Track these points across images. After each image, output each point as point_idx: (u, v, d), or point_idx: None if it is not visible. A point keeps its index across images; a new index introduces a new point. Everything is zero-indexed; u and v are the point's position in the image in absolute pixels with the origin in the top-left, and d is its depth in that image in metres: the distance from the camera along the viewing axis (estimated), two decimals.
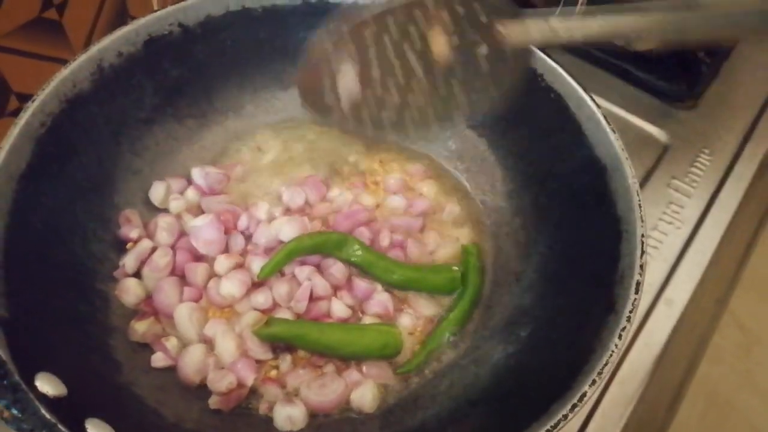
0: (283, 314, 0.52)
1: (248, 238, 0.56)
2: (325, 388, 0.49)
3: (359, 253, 0.54)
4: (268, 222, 0.56)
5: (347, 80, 0.45)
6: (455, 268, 0.57)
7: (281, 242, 0.55)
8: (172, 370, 0.50)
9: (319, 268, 0.55)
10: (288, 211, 0.58)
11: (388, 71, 0.45)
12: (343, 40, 0.43)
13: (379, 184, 0.62)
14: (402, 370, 0.51)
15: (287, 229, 0.55)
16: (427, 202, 0.61)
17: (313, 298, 0.53)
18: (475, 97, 0.49)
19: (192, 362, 0.49)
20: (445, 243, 0.59)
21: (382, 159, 0.64)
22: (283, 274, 0.54)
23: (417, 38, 0.43)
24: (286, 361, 0.51)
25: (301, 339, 0.50)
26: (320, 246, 0.54)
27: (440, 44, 0.44)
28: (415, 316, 0.55)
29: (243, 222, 0.56)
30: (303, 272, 0.53)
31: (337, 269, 0.54)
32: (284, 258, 0.52)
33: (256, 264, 0.53)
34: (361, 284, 0.54)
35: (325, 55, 0.44)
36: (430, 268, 0.56)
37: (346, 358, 0.51)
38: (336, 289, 0.54)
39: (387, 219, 0.59)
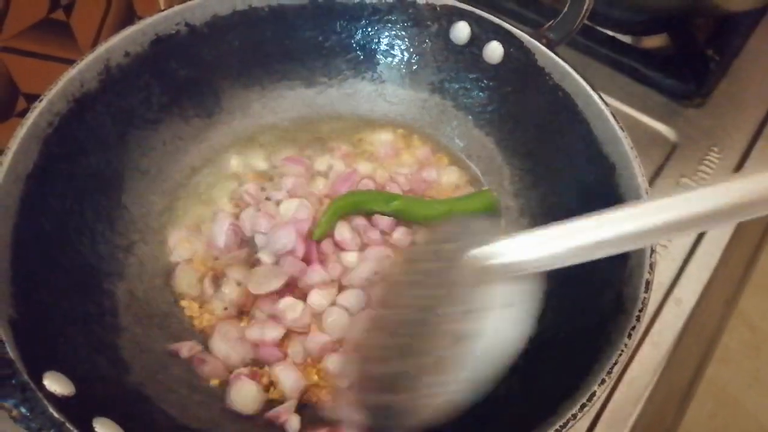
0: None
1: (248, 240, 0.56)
2: None
3: (396, 200, 0.57)
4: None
5: None
6: (485, 188, 0.61)
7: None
8: (182, 371, 0.49)
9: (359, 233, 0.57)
10: (293, 195, 0.58)
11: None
12: None
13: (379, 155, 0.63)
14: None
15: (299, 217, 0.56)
16: (435, 173, 0.61)
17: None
18: None
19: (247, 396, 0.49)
20: None
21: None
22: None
23: None
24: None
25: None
26: (360, 202, 0.57)
27: None
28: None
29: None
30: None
31: (383, 221, 0.57)
32: (332, 217, 0.55)
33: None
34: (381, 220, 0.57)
35: None
36: (464, 197, 0.60)
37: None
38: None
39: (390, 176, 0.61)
